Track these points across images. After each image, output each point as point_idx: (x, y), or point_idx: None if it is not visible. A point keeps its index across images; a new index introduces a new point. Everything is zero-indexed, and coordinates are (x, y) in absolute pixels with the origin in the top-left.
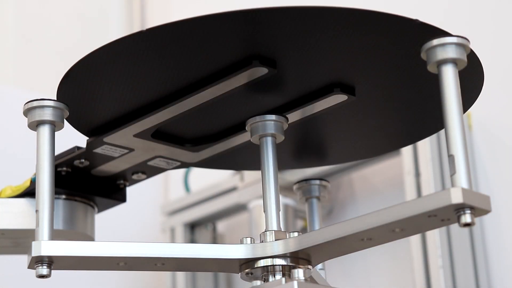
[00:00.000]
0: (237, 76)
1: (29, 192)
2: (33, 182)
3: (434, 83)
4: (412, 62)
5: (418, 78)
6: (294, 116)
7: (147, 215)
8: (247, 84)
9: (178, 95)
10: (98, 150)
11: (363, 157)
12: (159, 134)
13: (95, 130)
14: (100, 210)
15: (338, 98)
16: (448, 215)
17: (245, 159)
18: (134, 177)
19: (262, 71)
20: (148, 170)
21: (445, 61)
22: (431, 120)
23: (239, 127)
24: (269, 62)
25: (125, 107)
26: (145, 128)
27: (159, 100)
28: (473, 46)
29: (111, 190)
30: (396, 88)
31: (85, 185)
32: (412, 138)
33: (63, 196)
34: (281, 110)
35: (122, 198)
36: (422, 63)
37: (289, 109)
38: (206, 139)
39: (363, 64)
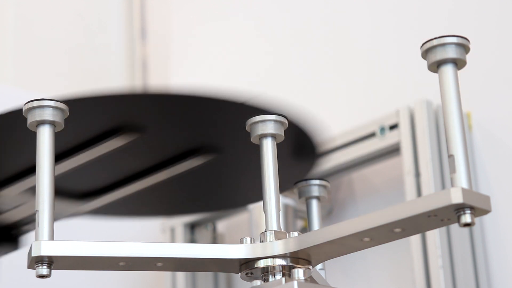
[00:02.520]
0: (109, 142)
1: None
2: None
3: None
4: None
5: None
6: (162, 176)
7: None
8: (118, 148)
9: (61, 156)
10: None
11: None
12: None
13: None
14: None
15: (202, 159)
16: (448, 215)
17: (137, 206)
18: (25, 228)
19: (132, 136)
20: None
21: (445, 61)
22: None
23: (126, 180)
24: (137, 129)
25: (16, 166)
26: (32, 185)
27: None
28: (473, 46)
29: (11, 237)
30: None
31: None
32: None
33: None
34: (150, 170)
35: (15, 246)
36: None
37: (158, 169)
38: (95, 190)
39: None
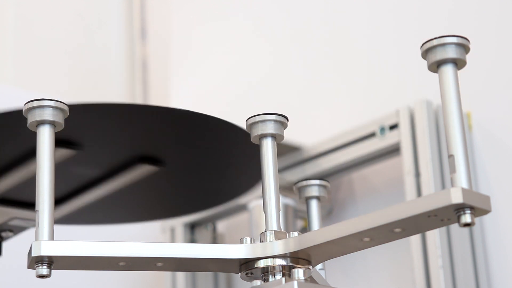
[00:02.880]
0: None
1: None
2: None
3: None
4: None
5: (216, 150)
6: (109, 187)
7: None
8: (64, 161)
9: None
10: None
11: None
12: (10, 198)
13: None
14: None
15: (147, 169)
16: (448, 215)
17: (102, 213)
18: (3, 234)
19: (71, 151)
20: (13, 229)
21: (445, 61)
22: (230, 185)
23: (76, 191)
24: (76, 144)
25: None
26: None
27: (5, 168)
28: (473, 46)
29: None
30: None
31: None
32: (222, 198)
33: None
34: (95, 182)
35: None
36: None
37: (106, 179)
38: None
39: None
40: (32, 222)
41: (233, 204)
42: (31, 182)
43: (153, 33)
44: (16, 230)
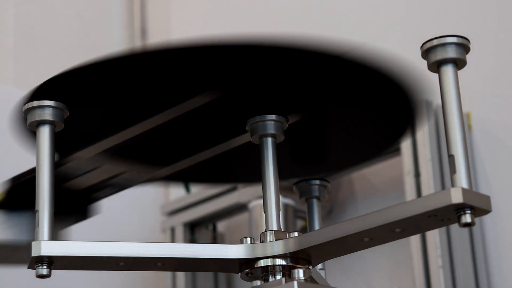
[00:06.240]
0: (196, 98)
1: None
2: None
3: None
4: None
5: (365, 101)
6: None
7: (147, 215)
8: (208, 104)
9: (145, 113)
10: (68, 166)
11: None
12: (128, 150)
13: (66, 146)
14: (69, 225)
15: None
16: (448, 215)
17: (214, 173)
18: (104, 191)
19: (219, 93)
20: (118, 185)
21: (445, 61)
22: (381, 139)
23: (205, 144)
24: (228, 86)
25: (95, 124)
26: (115, 143)
27: (127, 118)
28: (473, 46)
29: (80, 205)
30: (343, 109)
31: (55, 199)
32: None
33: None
34: (241, 128)
35: (93, 212)
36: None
37: (244, 130)
38: (174, 154)
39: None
40: (143, 178)
41: (233, 204)
42: (158, 133)
43: (153, 33)
44: (120, 187)
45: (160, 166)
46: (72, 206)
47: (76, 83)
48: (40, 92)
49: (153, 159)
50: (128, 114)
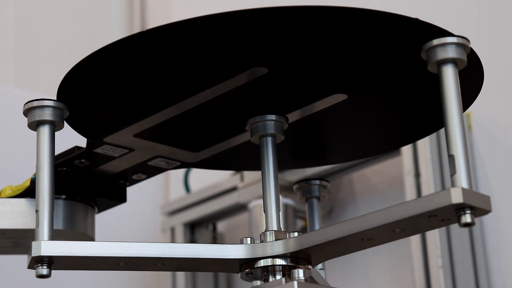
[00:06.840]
0: (237, 77)
1: (29, 192)
2: (33, 181)
3: (434, 83)
4: (412, 61)
5: (418, 78)
6: (293, 116)
7: (147, 215)
8: (246, 84)
9: (179, 95)
10: (98, 150)
11: (362, 157)
12: (159, 134)
13: (95, 130)
14: (100, 210)
15: (338, 98)
16: (448, 215)
17: (245, 159)
18: (134, 177)
19: (262, 71)
20: (148, 170)
21: (445, 61)
22: (429, 120)
23: (239, 128)
24: (269, 62)
25: (125, 107)
26: (146, 128)
27: (159, 100)
28: (473, 46)
29: (111, 190)
30: (396, 87)
31: (85, 185)
32: (411, 137)
33: (63, 196)
34: (281, 110)
35: (122, 198)
36: (422, 63)
37: (289, 109)
38: (206, 139)
39: (363, 64)
40: (174, 163)
41: (233, 204)
42: (191, 117)
43: None
44: (151, 172)
45: (193, 151)
46: (104, 191)
47: (103, 65)
48: (70, 77)
49: (186, 144)
50: (159, 97)
